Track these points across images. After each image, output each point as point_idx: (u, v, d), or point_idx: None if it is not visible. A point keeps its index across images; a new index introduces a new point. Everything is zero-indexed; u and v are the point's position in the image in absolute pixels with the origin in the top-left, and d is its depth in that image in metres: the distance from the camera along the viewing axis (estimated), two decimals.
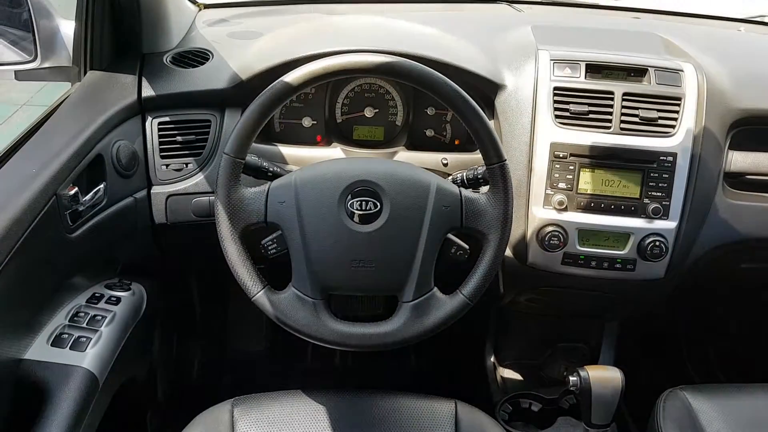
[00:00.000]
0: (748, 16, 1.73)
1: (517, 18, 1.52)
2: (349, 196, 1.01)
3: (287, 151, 1.29)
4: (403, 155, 1.30)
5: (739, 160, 1.29)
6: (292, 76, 0.99)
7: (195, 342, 1.84)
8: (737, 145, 1.30)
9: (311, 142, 1.36)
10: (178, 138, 1.24)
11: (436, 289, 1.04)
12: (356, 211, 1.00)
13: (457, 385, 1.80)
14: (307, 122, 1.36)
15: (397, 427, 1.12)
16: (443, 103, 1.02)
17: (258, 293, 1.01)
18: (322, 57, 1.01)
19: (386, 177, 1.01)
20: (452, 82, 1.00)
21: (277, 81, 1.00)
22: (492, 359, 1.66)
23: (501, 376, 1.67)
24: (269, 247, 1.04)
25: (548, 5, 1.71)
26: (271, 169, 1.11)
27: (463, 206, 1.03)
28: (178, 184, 1.25)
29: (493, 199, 1.03)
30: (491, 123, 1.02)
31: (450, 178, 1.12)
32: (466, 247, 1.08)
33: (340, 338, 1.02)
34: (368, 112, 1.37)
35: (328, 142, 1.35)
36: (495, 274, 1.04)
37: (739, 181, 1.33)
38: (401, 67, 0.99)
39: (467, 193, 1.04)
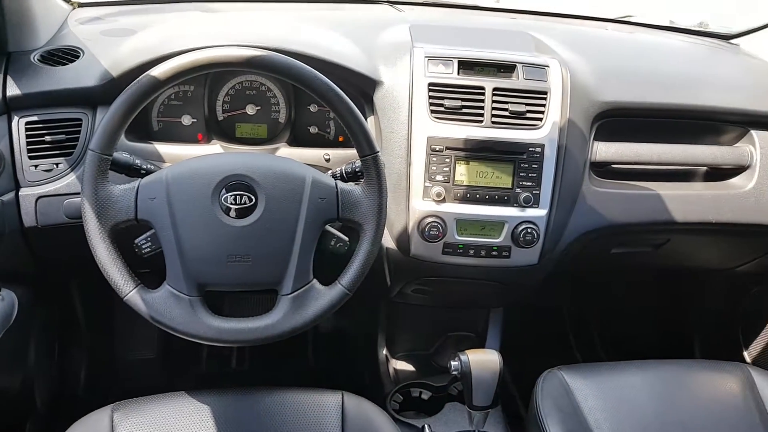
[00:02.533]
0: (616, 17, 1.84)
1: (397, 18, 1.56)
2: (223, 191, 1.00)
3: (165, 149, 1.27)
4: (285, 151, 1.31)
5: (604, 150, 1.38)
6: (159, 70, 0.98)
7: (80, 351, 1.78)
8: (602, 136, 1.38)
9: (192, 141, 1.35)
10: (47, 138, 1.20)
11: (315, 280, 1.05)
12: (231, 206, 1.00)
13: (352, 378, 1.82)
14: (186, 120, 1.35)
15: (283, 422, 1.13)
16: (316, 98, 1.04)
17: (130, 292, 0.99)
18: (191, 51, 1.00)
19: (260, 171, 1.02)
20: (323, 77, 1.02)
21: (143, 75, 0.98)
22: (384, 352, 1.69)
23: (394, 368, 1.70)
24: (143, 246, 1.03)
25: (429, 6, 1.76)
26: (145, 167, 1.09)
27: (339, 198, 1.05)
28: (48, 186, 1.20)
29: (367, 190, 1.05)
30: (363, 117, 1.04)
31: (329, 172, 1.13)
32: (346, 238, 1.10)
33: (218, 334, 1.01)
34: (250, 110, 1.36)
35: (209, 140, 1.34)
36: (372, 263, 1.06)
37: (604, 170, 1.41)
38: (271, 61, 1.00)
39: (343, 185, 1.06)
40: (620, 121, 1.40)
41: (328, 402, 1.17)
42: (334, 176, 1.12)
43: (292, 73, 1.01)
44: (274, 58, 1.00)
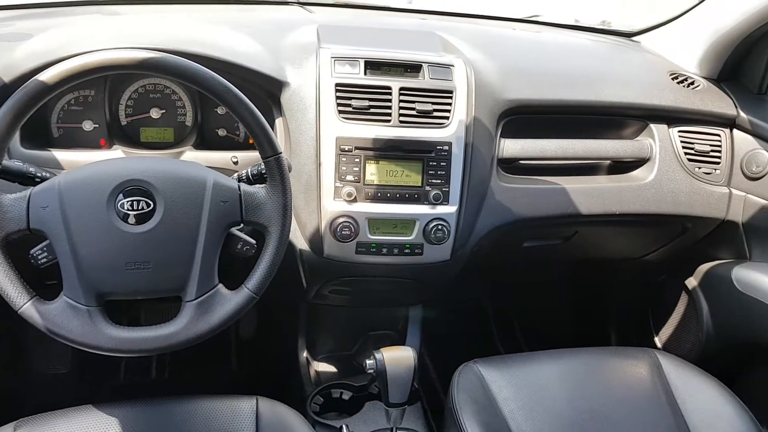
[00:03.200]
0: (524, 17, 1.89)
1: (306, 19, 1.55)
2: (120, 196, 0.97)
3: (65, 156, 1.22)
4: (190, 155, 1.29)
5: (510, 147, 1.41)
6: (47, 75, 0.94)
7: None
8: (508, 133, 1.42)
9: (95, 146, 1.31)
10: None
11: (220, 285, 1.03)
12: (128, 212, 0.97)
13: (273, 383, 1.81)
14: (88, 126, 1.30)
15: (197, 429, 1.11)
16: (214, 99, 1.02)
17: (24, 305, 0.95)
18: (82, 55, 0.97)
19: (158, 175, 0.99)
20: (220, 78, 1.00)
21: (31, 80, 0.95)
22: (305, 354, 1.69)
23: (315, 370, 1.70)
24: (39, 257, 0.98)
25: (340, 7, 1.76)
26: (39, 174, 1.04)
27: (242, 200, 1.03)
28: None
29: (271, 191, 1.04)
30: (266, 118, 1.03)
31: (235, 175, 1.12)
32: (253, 242, 1.08)
33: (119, 344, 0.98)
34: (154, 113, 1.34)
35: (110, 146, 1.31)
36: (279, 265, 1.05)
37: (512, 166, 1.45)
38: (164, 63, 0.97)
39: (246, 187, 1.05)
40: (526, 118, 1.44)
41: (242, 408, 1.15)
42: (239, 179, 1.10)
43: (187, 75, 0.99)
44: (168, 60, 0.98)
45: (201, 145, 1.35)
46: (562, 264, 2.02)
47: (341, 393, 1.55)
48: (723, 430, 1.26)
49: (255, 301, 1.04)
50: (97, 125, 1.31)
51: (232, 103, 1.01)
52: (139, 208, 0.98)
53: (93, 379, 1.85)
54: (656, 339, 1.84)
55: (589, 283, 2.10)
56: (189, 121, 1.36)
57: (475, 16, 1.82)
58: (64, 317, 0.96)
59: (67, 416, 1.11)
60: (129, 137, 1.33)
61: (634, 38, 1.85)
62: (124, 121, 1.33)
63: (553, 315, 2.15)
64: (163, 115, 1.34)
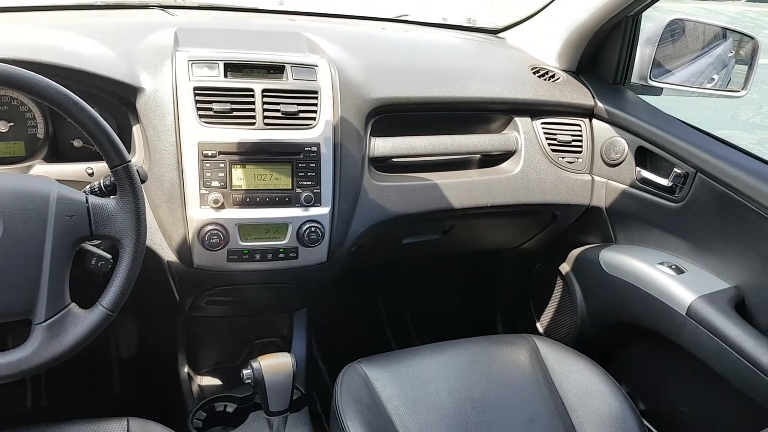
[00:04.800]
0: (394, 16, 1.91)
1: (166, 22, 1.50)
2: None
3: None
4: (40, 168, 1.21)
5: (380, 146, 1.42)
6: None
7: None
8: (378, 132, 1.42)
9: None
10: None
11: (73, 304, 0.97)
12: None
13: (156, 402, 1.73)
14: None
15: None
16: (52, 107, 0.96)
17: None
18: None
19: None
20: (57, 85, 0.94)
21: None
22: (186, 369, 1.63)
23: (199, 385, 1.64)
24: None
25: (204, 9, 1.72)
26: None
27: (91, 213, 0.98)
28: None
29: (122, 202, 0.99)
30: (106, 124, 0.97)
31: (87, 187, 1.06)
32: (108, 256, 1.03)
33: None
34: (2, 127, 1.25)
35: None
36: (135, 279, 1.00)
37: (385, 164, 1.46)
38: None
39: (95, 199, 0.99)
40: (395, 116, 1.45)
41: (111, 430, 1.09)
42: (91, 190, 1.04)
43: (18, 83, 0.91)
44: None
45: (53, 157, 1.27)
46: (446, 258, 2.05)
47: (225, 406, 1.50)
48: (597, 406, 1.31)
49: (111, 318, 0.99)
50: None
51: (72, 110, 0.95)
52: None
53: None
54: (537, 325, 1.91)
55: (473, 275, 2.15)
56: (41, 134, 1.28)
57: (344, 16, 1.82)
58: None
59: None
60: None
61: (499, 35, 1.91)
62: None
63: (443, 309, 2.19)
64: (11, 128, 1.25)
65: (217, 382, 1.65)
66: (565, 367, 1.39)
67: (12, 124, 1.26)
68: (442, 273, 2.18)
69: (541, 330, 1.90)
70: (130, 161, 0.98)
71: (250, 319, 1.66)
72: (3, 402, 1.78)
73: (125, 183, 0.99)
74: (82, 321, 0.97)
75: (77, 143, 1.30)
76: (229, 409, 1.50)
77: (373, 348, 1.99)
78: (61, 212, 0.95)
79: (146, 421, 1.13)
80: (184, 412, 1.51)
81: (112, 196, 1.02)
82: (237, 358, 1.69)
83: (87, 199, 0.98)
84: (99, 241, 1.07)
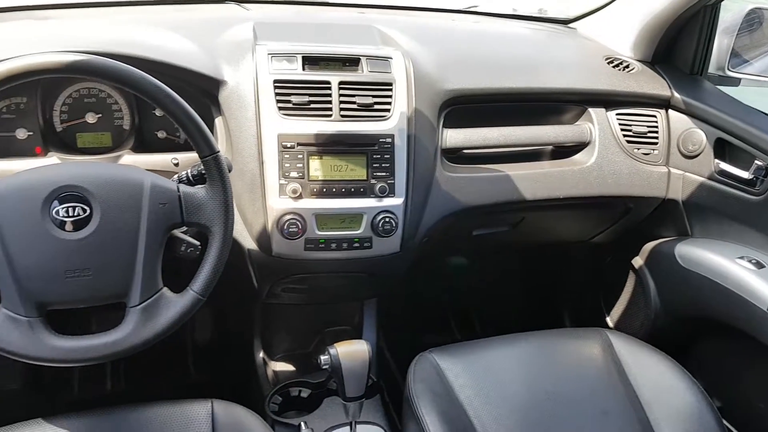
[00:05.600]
0: (463, 8, 1.91)
1: (242, 16, 1.54)
2: (55, 203, 0.95)
3: (5, 165, 1.18)
4: (129, 159, 1.26)
5: (453, 137, 1.42)
6: None
7: None
8: (451, 123, 1.43)
9: (30, 155, 1.27)
10: None
11: (165, 289, 1.02)
12: (64, 219, 0.95)
13: (232, 386, 1.79)
14: (22, 134, 1.27)
15: None
16: (148, 101, 1.00)
17: None
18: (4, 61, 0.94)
19: (93, 179, 0.97)
20: (152, 78, 0.98)
21: None
22: (261, 355, 1.67)
23: (273, 370, 1.68)
24: None
25: (277, 4, 1.75)
26: None
27: (182, 202, 1.02)
28: None
29: (211, 191, 1.03)
30: (201, 117, 1.01)
31: (175, 176, 1.10)
32: (197, 243, 1.07)
33: (64, 354, 0.96)
34: (90, 118, 1.30)
35: (46, 153, 1.27)
36: (224, 265, 1.04)
37: (457, 155, 1.46)
38: (92, 65, 0.95)
39: (185, 188, 1.03)
40: (467, 107, 1.45)
41: (197, 412, 1.14)
42: (180, 180, 1.09)
43: (116, 76, 0.96)
44: (97, 62, 0.95)
45: (140, 148, 1.32)
46: (511, 250, 2.05)
47: (300, 391, 1.54)
48: (673, 402, 1.29)
49: (201, 303, 1.03)
50: (31, 133, 1.27)
51: (166, 103, 0.99)
52: (75, 214, 0.95)
53: (46, 394, 1.81)
54: (608, 319, 1.88)
55: (541, 268, 2.14)
56: (127, 125, 1.33)
57: (414, 8, 1.83)
58: (3, 330, 0.94)
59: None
60: (65, 144, 1.30)
61: (570, 25, 1.89)
62: (59, 128, 1.30)
63: (508, 301, 2.18)
64: (99, 119, 1.31)
65: (290, 367, 1.69)
66: (640, 362, 1.37)
67: (100, 115, 1.31)
68: (507, 265, 2.17)
69: (611, 324, 1.87)
70: (219, 152, 1.02)
71: (321, 307, 1.69)
72: (84, 384, 1.87)
73: (214, 173, 1.02)
74: (174, 305, 1.01)
75: (161, 134, 1.36)
76: (304, 395, 1.54)
77: (435, 338, 2.01)
78: (155, 200, 0.99)
79: (229, 404, 1.17)
80: (261, 396, 1.56)
81: (200, 185, 1.06)
82: (309, 345, 1.72)
83: (178, 188, 1.02)
84: (186, 229, 1.11)
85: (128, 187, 0.99)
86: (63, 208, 0.95)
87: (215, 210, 1.03)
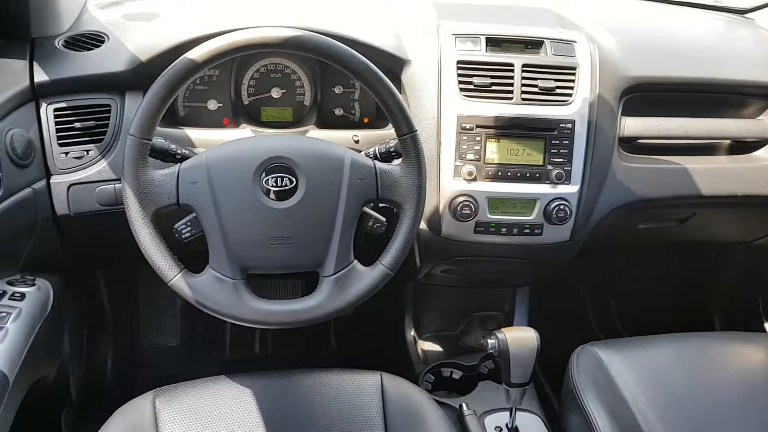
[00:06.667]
0: None
1: None
2: (264, 173, 1.00)
3: (194, 134, 1.25)
4: (315, 133, 1.30)
5: (632, 125, 1.38)
6: (197, 53, 0.97)
7: (106, 340, 1.77)
8: (629, 111, 1.38)
9: (218, 126, 1.34)
10: (77, 124, 1.18)
11: (356, 261, 1.05)
12: (272, 188, 1.00)
13: (379, 360, 1.82)
14: (212, 105, 1.33)
15: (325, 403, 1.13)
16: (352, 77, 1.03)
17: (175, 277, 0.99)
18: (227, 33, 0.99)
19: (300, 152, 1.01)
20: (361, 56, 1.01)
21: (180, 58, 0.97)
22: (412, 333, 1.70)
23: (422, 349, 1.71)
24: (183, 231, 1.02)
25: None
26: (179, 152, 1.07)
27: (378, 178, 1.04)
28: (79, 173, 1.19)
29: (406, 169, 1.05)
30: (399, 95, 1.03)
31: (363, 152, 1.13)
32: (383, 219, 1.10)
33: (264, 317, 1.01)
34: (275, 93, 1.35)
35: (236, 124, 1.33)
36: (413, 243, 1.06)
37: (632, 145, 1.42)
38: (309, 42, 0.99)
39: (381, 165, 1.05)
40: (646, 95, 1.40)
41: (368, 383, 1.17)
42: (367, 156, 1.11)
43: (329, 52, 1.00)
44: (313, 39, 0.99)
45: (321, 124, 1.36)
46: (669, 247, 1.97)
47: (451, 372, 1.55)
48: None
49: (390, 277, 1.05)
50: (221, 104, 1.34)
51: (371, 80, 1.02)
52: (283, 184, 1.00)
53: (201, 353, 1.92)
54: (767, 325, 1.78)
55: (690, 267, 2.04)
56: (307, 101, 1.37)
57: None
58: (211, 290, 1.00)
59: (203, 386, 1.14)
60: (250, 116, 1.36)
61: (746, 15, 1.78)
62: (246, 101, 1.35)
63: (652, 299, 2.10)
64: (283, 94, 1.36)
65: (437, 348, 1.70)
66: None
67: (284, 91, 1.36)
68: (652, 262, 2.09)
69: None
70: (417, 131, 1.03)
71: (471, 290, 1.69)
72: (235, 346, 1.97)
73: (411, 151, 1.04)
74: (364, 277, 1.04)
75: (338, 112, 1.39)
76: (455, 376, 1.55)
77: (573, 332, 1.96)
78: (354, 176, 1.02)
79: (399, 378, 1.19)
80: (412, 374, 1.58)
81: (392, 162, 1.08)
82: (456, 327, 1.73)
83: (374, 164, 1.05)
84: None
85: (331, 162, 1.02)
86: (272, 177, 0.99)
87: (409, 188, 1.04)
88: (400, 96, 1.03)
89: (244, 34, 0.98)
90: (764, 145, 1.46)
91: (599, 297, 2.13)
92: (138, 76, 1.20)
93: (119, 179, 1.18)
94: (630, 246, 1.81)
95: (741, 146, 1.48)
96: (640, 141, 1.41)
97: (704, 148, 1.47)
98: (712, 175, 1.41)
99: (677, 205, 1.44)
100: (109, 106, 1.21)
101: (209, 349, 1.93)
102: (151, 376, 1.82)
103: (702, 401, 1.24)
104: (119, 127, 1.21)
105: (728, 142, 1.49)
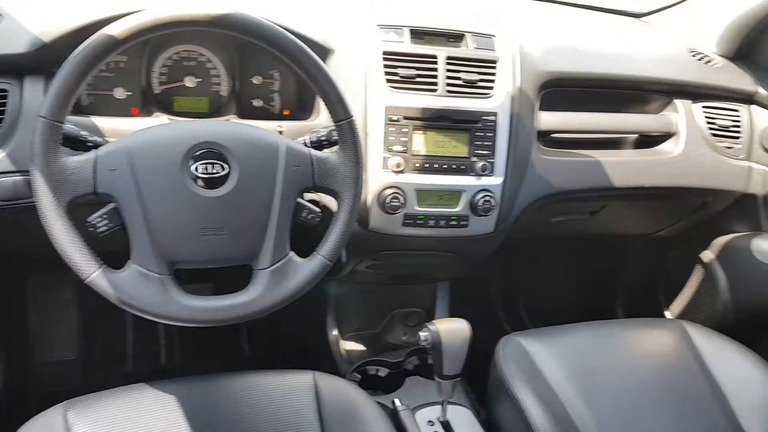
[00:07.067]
0: None
1: None
2: (192, 160, 0.93)
3: (103, 122, 1.15)
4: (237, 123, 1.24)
5: (548, 120, 1.41)
6: (117, 29, 0.89)
7: None
8: (546, 106, 1.42)
9: (126, 115, 1.24)
10: None
11: (293, 253, 1.00)
12: (202, 175, 0.93)
13: (301, 362, 1.77)
14: (119, 93, 1.24)
15: (254, 404, 1.07)
16: (285, 60, 0.98)
17: (93, 274, 0.90)
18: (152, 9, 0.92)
19: (232, 138, 0.95)
20: (295, 38, 0.97)
21: (98, 33, 0.89)
22: (335, 332, 1.66)
23: (344, 348, 1.67)
24: (98, 225, 0.92)
25: None
26: (91, 139, 0.98)
27: (314, 165, 1.00)
28: None
29: (343, 156, 1.01)
30: (335, 80, 1.00)
31: (302, 139, 1.08)
32: (318, 210, 1.05)
33: (194, 314, 0.94)
34: (189, 82, 1.28)
35: (148, 113, 1.25)
36: (350, 232, 1.03)
37: (548, 139, 1.45)
38: (241, 21, 0.93)
39: (316, 152, 1.02)
40: (560, 91, 1.44)
41: (300, 382, 1.12)
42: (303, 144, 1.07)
43: (261, 33, 0.94)
44: (244, 18, 0.93)
45: (242, 115, 1.30)
46: (578, 242, 2.04)
47: (377, 370, 1.53)
48: (758, 392, 1.29)
49: (328, 268, 1.01)
50: (129, 93, 1.25)
51: (305, 63, 0.98)
52: (214, 171, 0.94)
53: (101, 366, 1.78)
54: (666, 312, 1.89)
55: (599, 261, 2.13)
56: (224, 91, 1.31)
57: None
58: (134, 286, 0.91)
59: (120, 396, 1.06)
60: (162, 106, 1.27)
61: (642, 18, 1.88)
62: (157, 90, 1.27)
63: (559, 293, 2.17)
64: (198, 84, 1.29)
65: (360, 347, 1.67)
66: (719, 353, 1.37)
67: (200, 80, 1.29)
68: (564, 258, 2.16)
69: (670, 317, 1.88)
70: (353, 117, 1.00)
71: (392, 288, 1.68)
72: (138, 357, 1.84)
73: (348, 137, 1.01)
74: (302, 269, 0.99)
75: (257, 103, 1.33)
76: (381, 373, 1.52)
77: (486, 325, 2.00)
78: (290, 163, 0.98)
79: (330, 376, 1.16)
80: (337, 373, 1.54)
81: (330, 150, 1.04)
82: (378, 325, 1.71)
83: (310, 152, 1.01)
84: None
85: (265, 148, 0.97)
86: (202, 164, 0.93)
87: (346, 176, 1.01)
88: (335, 80, 0.99)
89: (170, 9, 0.91)
90: (668, 139, 1.55)
91: (509, 293, 2.19)
92: (39, 59, 1.09)
93: (19, 171, 1.06)
94: (544, 240, 1.86)
95: (647, 140, 1.56)
96: (555, 135, 1.45)
97: (614, 142, 1.54)
98: (624, 167, 1.47)
99: (591, 197, 1.49)
100: (6, 91, 1.09)
101: (110, 362, 1.80)
102: (45, 393, 1.66)
103: (626, 386, 1.28)
104: (17, 114, 1.09)
105: (636, 136, 1.56)
